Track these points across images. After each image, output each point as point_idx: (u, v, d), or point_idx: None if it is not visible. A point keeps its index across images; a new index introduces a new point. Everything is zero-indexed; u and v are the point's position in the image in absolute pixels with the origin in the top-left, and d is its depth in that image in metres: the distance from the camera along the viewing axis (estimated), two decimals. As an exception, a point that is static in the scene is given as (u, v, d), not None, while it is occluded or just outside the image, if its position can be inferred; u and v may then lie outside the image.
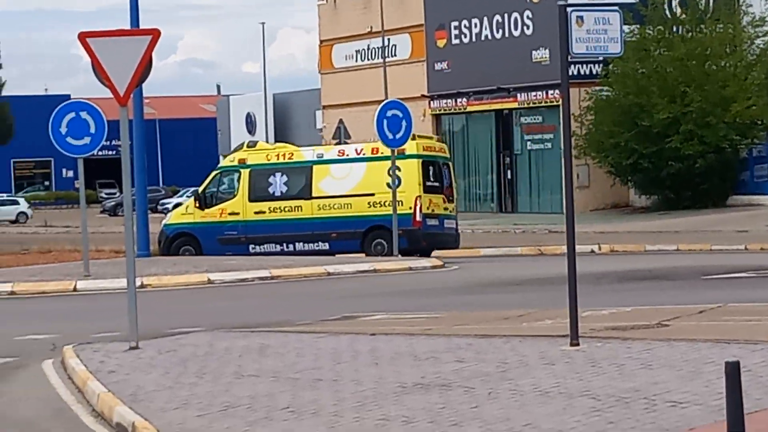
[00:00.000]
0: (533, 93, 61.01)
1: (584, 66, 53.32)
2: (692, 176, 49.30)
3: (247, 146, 36.14)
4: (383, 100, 39.05)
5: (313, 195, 32.62)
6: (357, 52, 75.40)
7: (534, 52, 60.01)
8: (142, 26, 27.57)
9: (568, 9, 11.38)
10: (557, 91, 48.56)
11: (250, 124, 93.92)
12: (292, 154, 34.31)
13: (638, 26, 50.65)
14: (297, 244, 32.28)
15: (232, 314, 21.60)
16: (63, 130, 26.45)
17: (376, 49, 70.67)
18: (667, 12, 52.05)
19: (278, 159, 34.28)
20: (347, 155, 34.15)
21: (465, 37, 66.62)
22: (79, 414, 11.46)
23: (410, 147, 32.93)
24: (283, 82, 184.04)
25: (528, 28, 61.58)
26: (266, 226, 32.80)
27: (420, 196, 32.50)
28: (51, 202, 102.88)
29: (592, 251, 32.98)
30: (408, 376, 10.70)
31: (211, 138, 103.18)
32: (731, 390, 5.98)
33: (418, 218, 32.17)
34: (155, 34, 14.18)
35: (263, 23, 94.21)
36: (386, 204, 31.63)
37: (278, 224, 32.75)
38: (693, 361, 11.04)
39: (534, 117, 63.83)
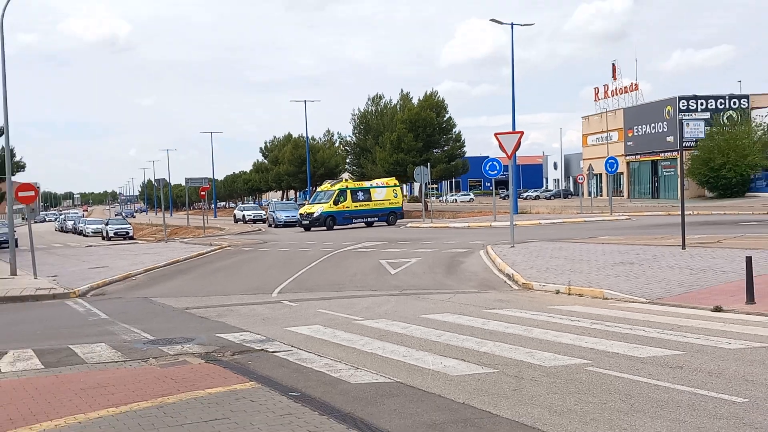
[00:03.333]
0: None
1: None
2: None
3: (346, 180, 55.95)
4: None
5: (372, 199, 50.35)
6: None
7: None
8: None
9: None
10: None
11: None
12: (363, 183, 53.53)
13: None
14: (367, 219, 49.77)
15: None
16: None
17: None
18: None
19: (357, 185, 52.12)
20: (379, 184, 51.99)
21: None
22: (492, 269, 20.98)
23: (391, 181, 53.42)
24: None
25: None
26: (358, 212, 49.33)
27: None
28: None
29: None
30: None
31: None
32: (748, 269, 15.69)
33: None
34: None
35: None
36: (391, 203, 51.21)
37: (362, 211, 49.53)
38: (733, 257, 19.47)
39: None
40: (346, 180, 56.99)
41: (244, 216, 68.40)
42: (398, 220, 51.47)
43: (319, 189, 54.51)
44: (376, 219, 50.31)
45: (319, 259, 26.81)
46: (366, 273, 22.20)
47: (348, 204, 48.93)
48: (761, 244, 21.23)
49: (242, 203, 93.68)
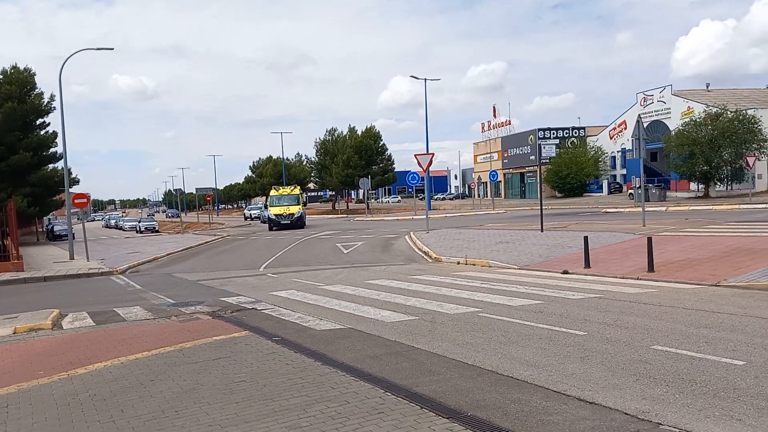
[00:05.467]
0: None
1: None
2: None
3: (297, 186, 41.35)
4: None
5: (300, 202, 37.86)
6: None
7: None
8: None
9: None
10: None
11: None
12: (297, 189, 39.63)
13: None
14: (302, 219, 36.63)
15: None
16: None
17: None
18: None
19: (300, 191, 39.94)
20: (296, 191, 38.82)
21: None
22: (414, 248, 20.87)
23: (297, 190, 39.38)
24: None
25: None
26: (302, 213, 37.36)
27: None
28: None
29: None
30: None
31: None
32: (585, 244, 15.96)
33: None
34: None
35: None
36: (293, 208, 36.82)
37: (301, 212, 37.16)
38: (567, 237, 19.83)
39: None
40: (297, 186, 42.92)
41: (250, 215, 67.57)
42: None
43: (273, 193, 39.47)
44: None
45: (292, 244, 26.46)
46: (326, 253, 21.89)
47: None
48: (594, 228, 21.68)
49: (248, 205, 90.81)
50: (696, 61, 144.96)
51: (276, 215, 37.16)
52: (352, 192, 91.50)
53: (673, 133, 44.53)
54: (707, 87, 58.89)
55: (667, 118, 53.94)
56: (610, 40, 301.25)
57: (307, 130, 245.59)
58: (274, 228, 36.71)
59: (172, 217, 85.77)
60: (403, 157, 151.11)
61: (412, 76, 50.38)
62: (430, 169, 26.35)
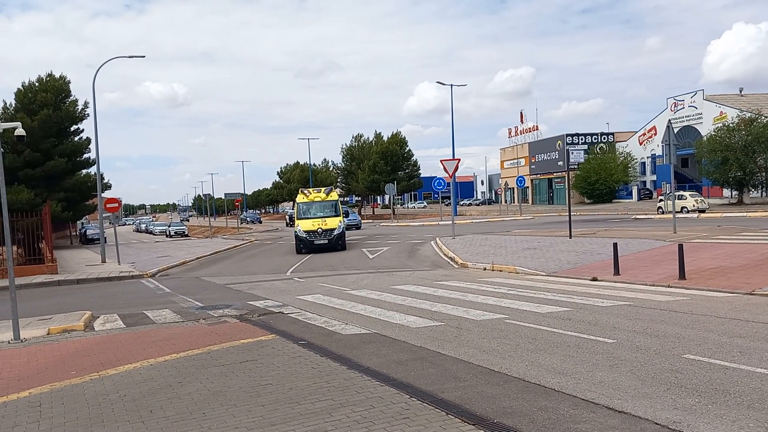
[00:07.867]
0: None
1: None
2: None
3: (334, 190, 28.88)
4: None
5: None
6: None
7: None
8: None
9: None
10: None
11: None
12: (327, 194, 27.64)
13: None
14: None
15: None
16: None
17: None
18: None
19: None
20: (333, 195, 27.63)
21: None
22: (440, 254, 20.83)
23: (335, 195, 28.15)
24: None
25: None
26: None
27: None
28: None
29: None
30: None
31: None
32: (614, 251, 15.90)
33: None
34: None
35: None
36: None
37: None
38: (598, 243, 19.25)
39: None
40: (333, 189, 29.78)
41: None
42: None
43: (301, 200, 27.72)
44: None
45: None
46: (352, 258, 22.00)
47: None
48: (623, 234, 21.39)
49: (289, 210, 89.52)
50: (728, 65, 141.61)
51: (307, 233, 25.64)
52: (378, 197, 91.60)
53: (705, 138, 43.67)
54: (740, 91, 57.72)
55: (699, 123, 52.95)
56: (638, 43, 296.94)
57: (333, 136, 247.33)
58: (303, 251, 25.65)
59: (253, 221, 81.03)
60: (429, 163, 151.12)
61: (438, 82, 50.53)
62: (456, 174, 26.28)
